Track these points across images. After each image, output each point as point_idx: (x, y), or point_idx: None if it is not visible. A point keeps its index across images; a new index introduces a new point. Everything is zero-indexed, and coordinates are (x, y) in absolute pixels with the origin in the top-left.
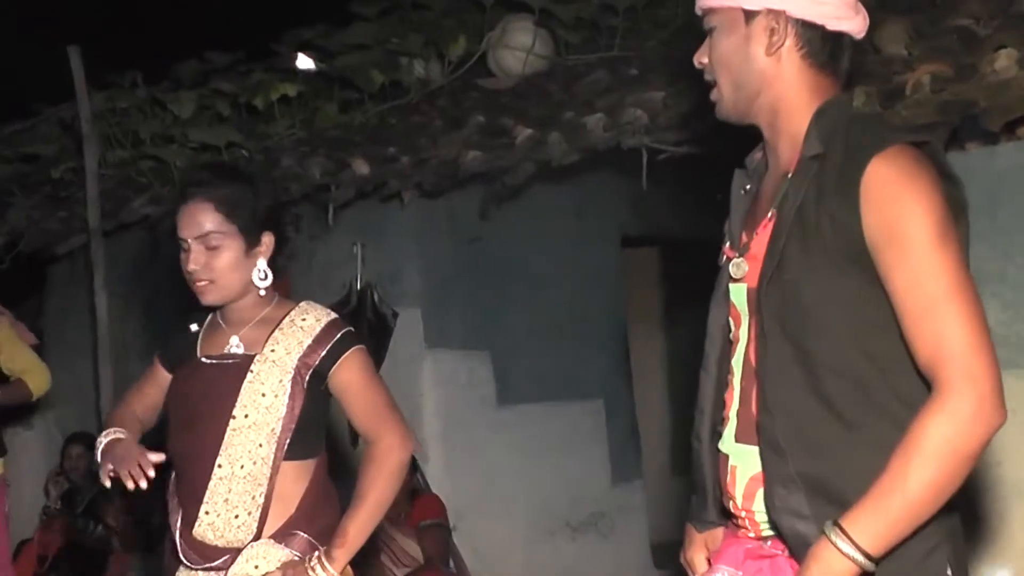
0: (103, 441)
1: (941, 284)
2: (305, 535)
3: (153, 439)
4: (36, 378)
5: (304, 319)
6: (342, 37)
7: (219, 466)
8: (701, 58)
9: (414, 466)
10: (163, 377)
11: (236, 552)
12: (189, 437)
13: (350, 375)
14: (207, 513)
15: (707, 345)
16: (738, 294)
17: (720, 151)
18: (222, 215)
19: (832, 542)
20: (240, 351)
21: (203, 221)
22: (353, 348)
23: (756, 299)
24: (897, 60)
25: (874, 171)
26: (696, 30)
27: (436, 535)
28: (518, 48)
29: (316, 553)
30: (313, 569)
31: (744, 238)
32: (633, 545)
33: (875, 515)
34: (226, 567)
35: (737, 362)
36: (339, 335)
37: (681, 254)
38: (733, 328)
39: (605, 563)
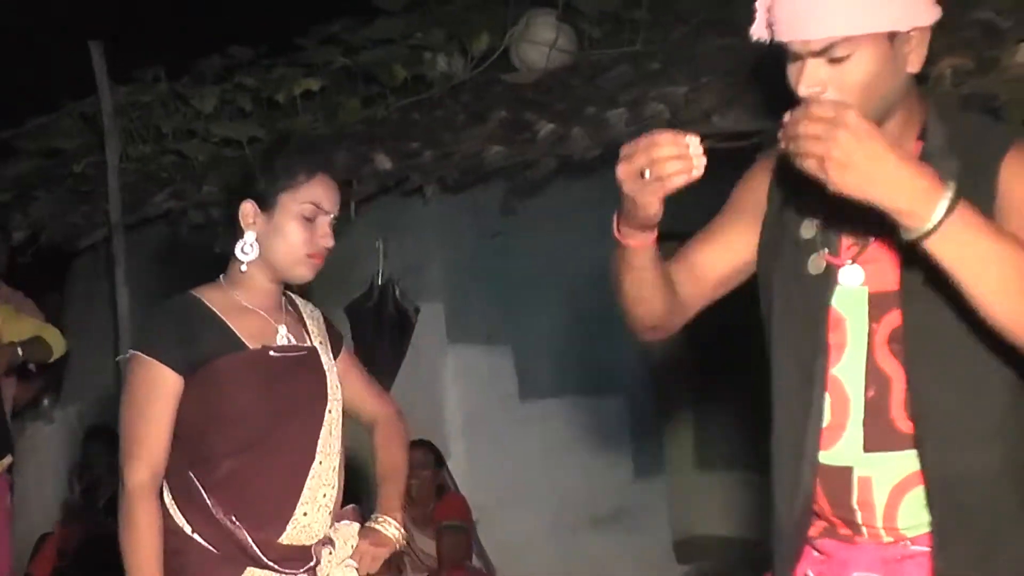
0: None
1: None
2: (350, 506)
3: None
4: (50, 335)
5: (311, 311)
6: (366, 32)
7: (319, 462)
8: (813, 87)
9: (440, 463)
10: (176, 385)
11: (322, 543)
12: (281, 436)
13: (348, 361)
14: (305, 514)
15: (785, 363)
16: (849, 298)
17: (743, 146)
18: None
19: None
20: (294, 342)
21: (338, 199)
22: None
23: (899, 302)
24: None
25: (1009, 165)
26: (721, 24)
27: (455, 538)
28: (541, 42)
29: (378, 515)
30: (386, 529)
31: (848, 243)
32: (656, 540)
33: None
34: (319, 559)
35: (847, 370)
36: (332, 324)
37: None
38: (824, 338)
39: (627, 558)
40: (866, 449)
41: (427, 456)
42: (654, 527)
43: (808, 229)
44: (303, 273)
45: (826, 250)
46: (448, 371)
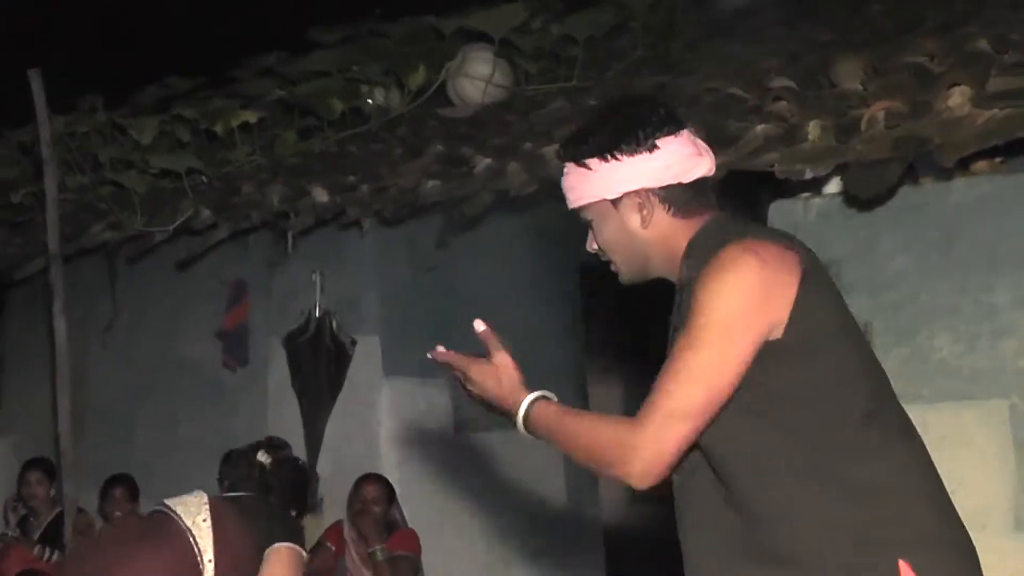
0: None
1: (679, 360)
2: None
3: None
4: None
5: None
6: (302, 64)
7: None
8: (591, 245)
9: (392, 498)
10: None
11: None
12: None
13: None
14: None
15: None
16: None
17: None
18: None
19: (522, 404)
20: None
21: None
22: None
23: None
24: (853, 95)
25: (706, 267)
26: (656, 62)
27: (402, 567)
28: (477, 77)
29: None
30: None
31: None
32: (590, 573)
33: (548, 417)
34: None
35: None
36: None
37: (639, 284)
38: None
39: None
40: None
41: (380, 491)
42: (588, 561)
43: None
44: None
45: None
46: (384, 404)
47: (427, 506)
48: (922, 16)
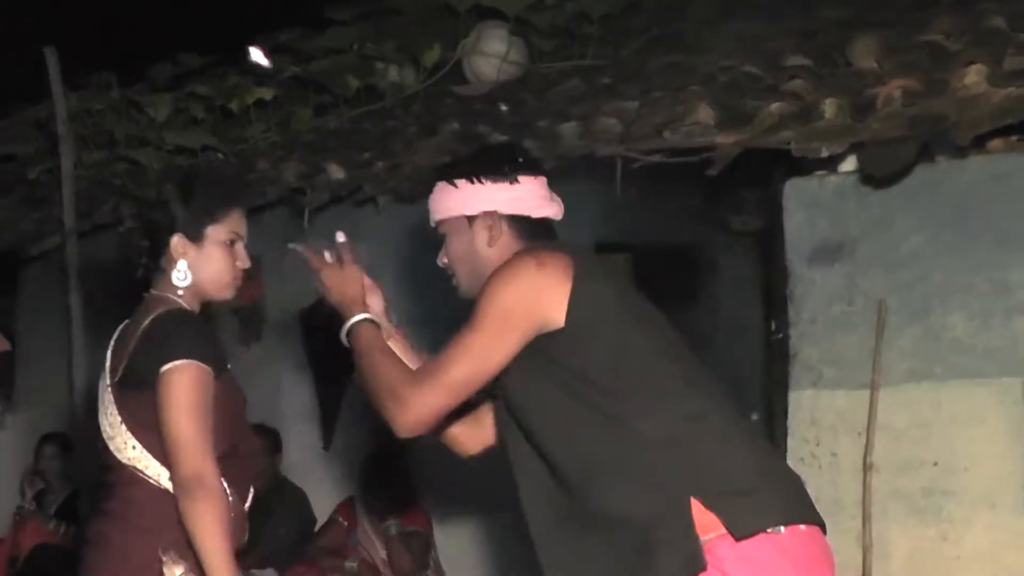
0: None
1: (458, 339)
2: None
3: None
4: None
5: None
6: (317, 41)
7: None
8: (442, 259)
9: (403, 475)
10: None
11: None
12: (241, 442)
13: None
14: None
15: None
16: None
17: (693, 161)
18: None
19: (351, 319)
20: None
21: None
22: None
23: None
24: (868, 74)
25: None
26: (671, 41)
27: (415, 542)
28: (492, 55)
29: None
30: None
31: None
32: None
33: (365, 341)
34: None
35: None
36: None
37: (653, 260)
38: None
39: None
40: None
41: (391, 469)
42: None
43: None
44: (227, 294)
45: None
46: None
47: (444, 482)
48: None
